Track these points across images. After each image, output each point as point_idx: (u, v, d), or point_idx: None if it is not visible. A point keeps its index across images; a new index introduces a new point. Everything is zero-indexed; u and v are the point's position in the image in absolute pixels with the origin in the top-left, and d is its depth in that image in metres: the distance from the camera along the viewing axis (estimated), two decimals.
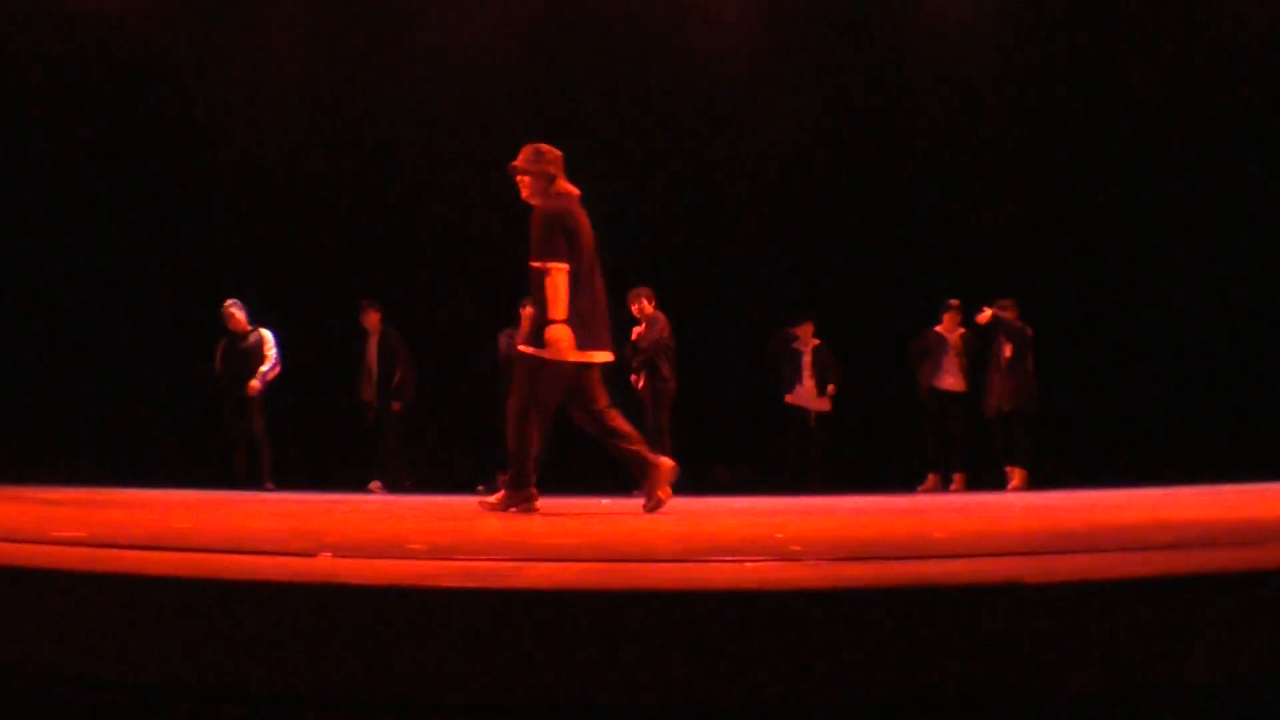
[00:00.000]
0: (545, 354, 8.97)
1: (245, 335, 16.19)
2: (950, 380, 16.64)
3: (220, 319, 16.03)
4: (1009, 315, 15.95)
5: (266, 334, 16.24)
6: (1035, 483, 15.53)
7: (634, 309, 15.90)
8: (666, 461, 9.16)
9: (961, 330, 16.55)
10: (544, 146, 9.46)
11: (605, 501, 11.83)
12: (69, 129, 17.68)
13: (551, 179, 9.35)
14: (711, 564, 3.89)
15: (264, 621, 2.96)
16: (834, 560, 4.08)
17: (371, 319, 17.04)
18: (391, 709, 2.79)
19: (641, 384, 15.86)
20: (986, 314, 15.84)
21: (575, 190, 9.45)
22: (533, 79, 17.95)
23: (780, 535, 5.74)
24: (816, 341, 17.07)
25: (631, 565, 3.81)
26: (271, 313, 16.22)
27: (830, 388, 16.94)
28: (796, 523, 7.27)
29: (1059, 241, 17.17)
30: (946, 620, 2.83)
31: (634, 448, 9.28)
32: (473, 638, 2.76)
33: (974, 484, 15.96)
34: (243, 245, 17.86)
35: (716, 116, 18.00)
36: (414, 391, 17.10)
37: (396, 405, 16.96)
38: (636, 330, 15.96)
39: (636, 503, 11.85)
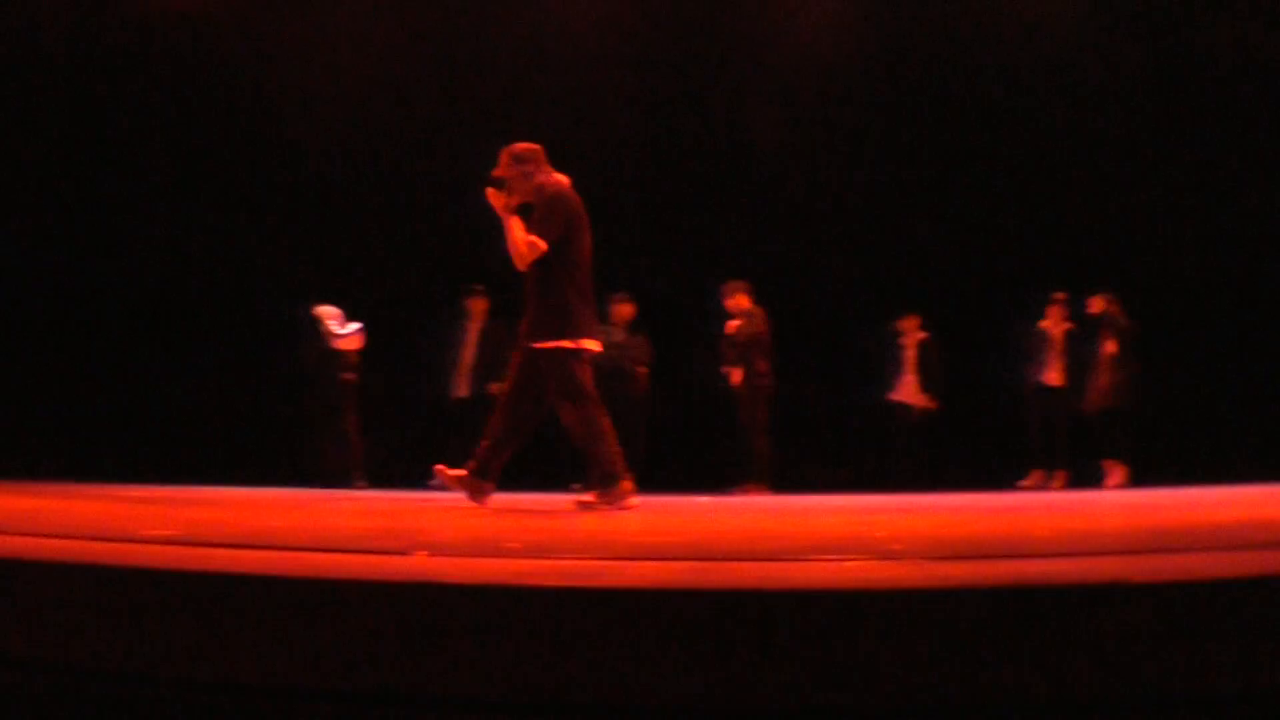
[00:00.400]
0: (560, 344, 8.98)
1: (335, 332, 16.31)
2: (1052, 375, 16.50)
3: (312, 316, 16.09)
4: (1112, 310, 15.82)
5: (356, 329, 16.30)
6: (1135, 479, 15.41)
7: (729, 304, 15.86)
8: (628, 484, 9.07)
9: (1067, 325, 16.41)
10: (518, 146, 9.44)
11: (704, 499, 11.81)
12: (146, 126, 17.85)
13: (531, 176, 9.32)
14: (811, 563, 3.86)
15: (358, 621, 2.96)
16: (935, 559, 4.05)
17: (478, 306, 17.03)
18: (487, 709, 2.79)
19: (736, 379, 15.84)
20: (1099, 304, 15.72)
21: (565, 179, 9.45)
22: (618, 70, 17.94)
23: (880, 534, 5.71)
24: (922, 336, 16.92)
25: (730, 564, 3.79)
26: (360, 308, 16.28)
27: (933, 402, 16.82)
28: (896, 521, 7.23)
29: (1164, 235, 16.99)
30: (1048, 620, 2.81)
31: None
32: (570, 637, 2.75)
33: (1075, 480, 15.84)
34: (328, 240, 17.95)
35: (817, 106, 17.92)
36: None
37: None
38: (731, 325, 15.93)
39: (736, 501, 11.84)
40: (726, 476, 15.60)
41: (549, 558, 3.97)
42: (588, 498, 9.01)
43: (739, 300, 15.82)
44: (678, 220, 17.80)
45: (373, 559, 3.83)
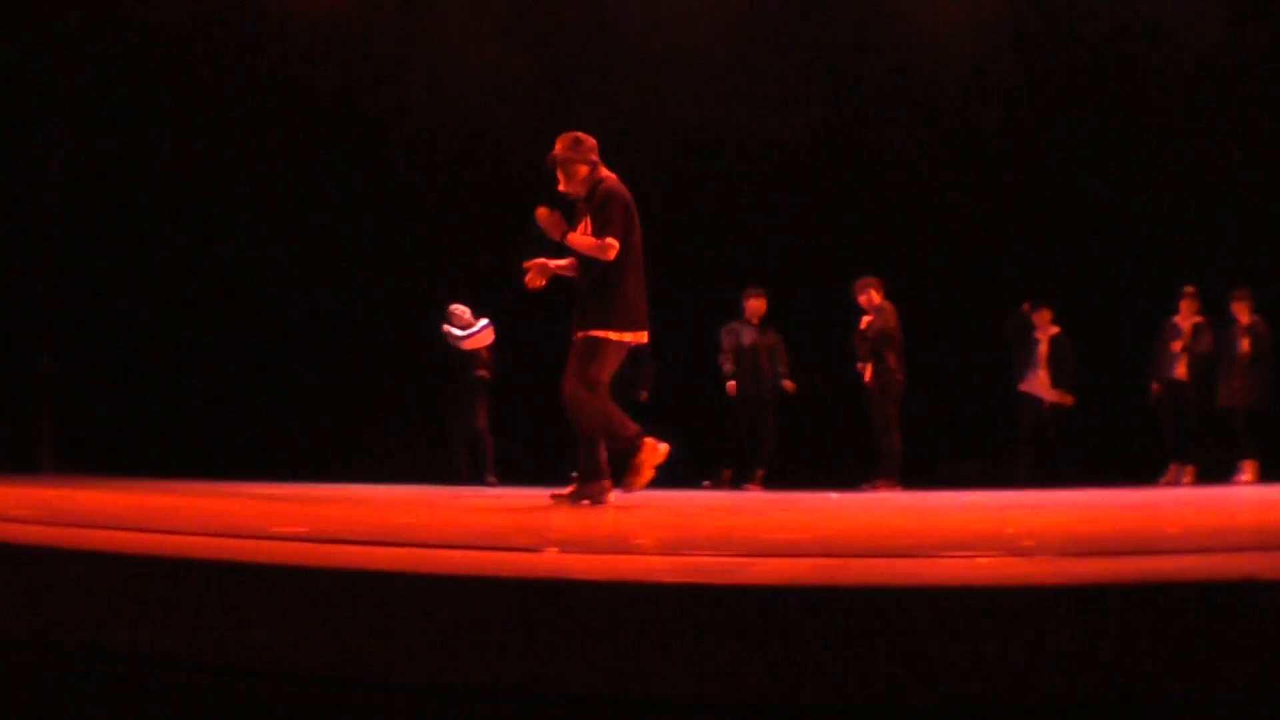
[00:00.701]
0: (608, 334, 9.02)
1: (464, 330, 16.29)
2: (1179, 369, 16.31)
3: (444, 314, 16.16)
4: (1248, 307, 15.64)
5: (486, 325, 16.27)
6: (1267, 475, 15.22)
7: (861, 299, 15.80)
8: (608, 483, 9.09)
9: (1197, 319, 16.22)
10: (581, 134, 9.46)
11: (834, 496, 11.78)
12: (273, 128, 18.04)
13: (594, 166, 9.37)
14: (941, 560, 3.85)
15: (489, 617, 2.98)
16: (1066, 555, 4.04)
17: None
18: (617, 705, 2.81)
19: (868, 375, 15.79)
20: (1238, 302, 15.56)
21: (614, 175, 9.43)
22: (739, 67, 17.90)
23: (1011, 530, 5.69)
24: (1055, 329, 16.75)
25: (860, 561, 3.79)
26: (491, 303, 16.32)
27: (1065, 397, 16.65)
28: (1027, 517, 7.20)
29: None
30: (1181, 617, 2.79)
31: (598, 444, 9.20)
32: (699, 634, 2.77)
33: (1207, 475, 15.65)
34: (459, 236, 18.03)
35: (946, 96, 17.81)
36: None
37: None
38: (864, 320, 15.88)
39: (866, 497, 11.81)
40: (857, 473, 15.55)
41: (679, 554, 3.99)
42: (565, 492, 9.00)
43: (871, 295, 15.75)
44: (810, 215, 17.75)
45: (503, 556, 3.86)
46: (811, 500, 10.74)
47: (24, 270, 16.11)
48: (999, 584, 2.99)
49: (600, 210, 9.13)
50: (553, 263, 9.31)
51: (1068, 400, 16.50)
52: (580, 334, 9.08)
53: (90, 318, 17.03)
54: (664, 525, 6.19)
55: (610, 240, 9.00)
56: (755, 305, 16.51)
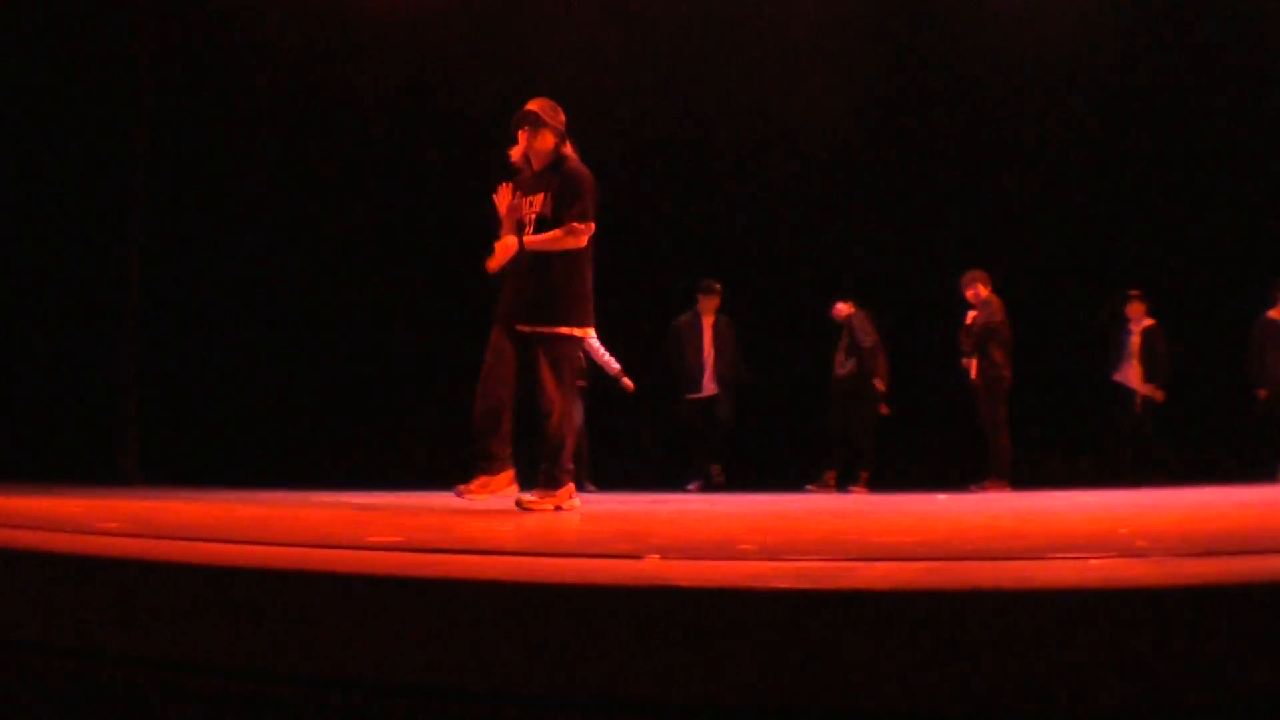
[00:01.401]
0: (573, 330, 8.99)
1: None
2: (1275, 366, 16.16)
3: None
4: None
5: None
6: None
7: (968, 293, 15.77)
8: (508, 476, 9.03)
9: None
10: (554, 102, 9.33)
11: (941, 497, 11.78)
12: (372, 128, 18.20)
13: (562, 139, 9.25)
14: (1052, 561, 3.85)
15: (590, 626, 3.01)
16: (1183, 556, 4.03)
17: (710, 303, 17.07)
18: (722, 714, 2.84)
19: (974, 372, 15.74)
20: None
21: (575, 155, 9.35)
22: (842, 65, 17.93)
23: (1124, 530, 5.68)
24: (1149, 322, 16.63)
25: (968, 564, 3.79)
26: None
27: (1158, 391, 16.53)
28: (1140, 516, 7.17)
29: None
30: None
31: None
32: (806, 641, 2.79)
33: None
34: None
35: (1043, 83, 17.74)
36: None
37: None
38: (970, 315, 15.83)
39: (974, 498, 11.79)
40: (965, 473, 15.52)
41: (784, 559, 4.01)
42: (531, 497, 8.82)
43: (977, 289, 15.71)
44: (910, 209, 17.74)
45: (604, 563, 3.89)
46: (919, 502, 10.74)
47: (109, 283, 16.28)
48: (1113, 586, 2.99)
49: (570, 187, 9.04)
50: (514, 244, 9.12)
51: (1159, 395, 16.39)
52: (544, 329, 8.98)
53: (175, 328, 17.19)
54: (768, 529, 6.20)
55: (586, 225, 8.95)
56: (842, 307, 16.53)
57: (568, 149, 9.26)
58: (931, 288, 16.91)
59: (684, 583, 3.05)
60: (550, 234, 8.96)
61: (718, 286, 17.05)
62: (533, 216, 9.13)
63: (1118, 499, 10.62)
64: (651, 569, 3.66)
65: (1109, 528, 5.95)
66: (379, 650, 3.20)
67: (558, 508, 8.69)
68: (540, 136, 9.17)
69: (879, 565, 3.68)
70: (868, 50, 18.13)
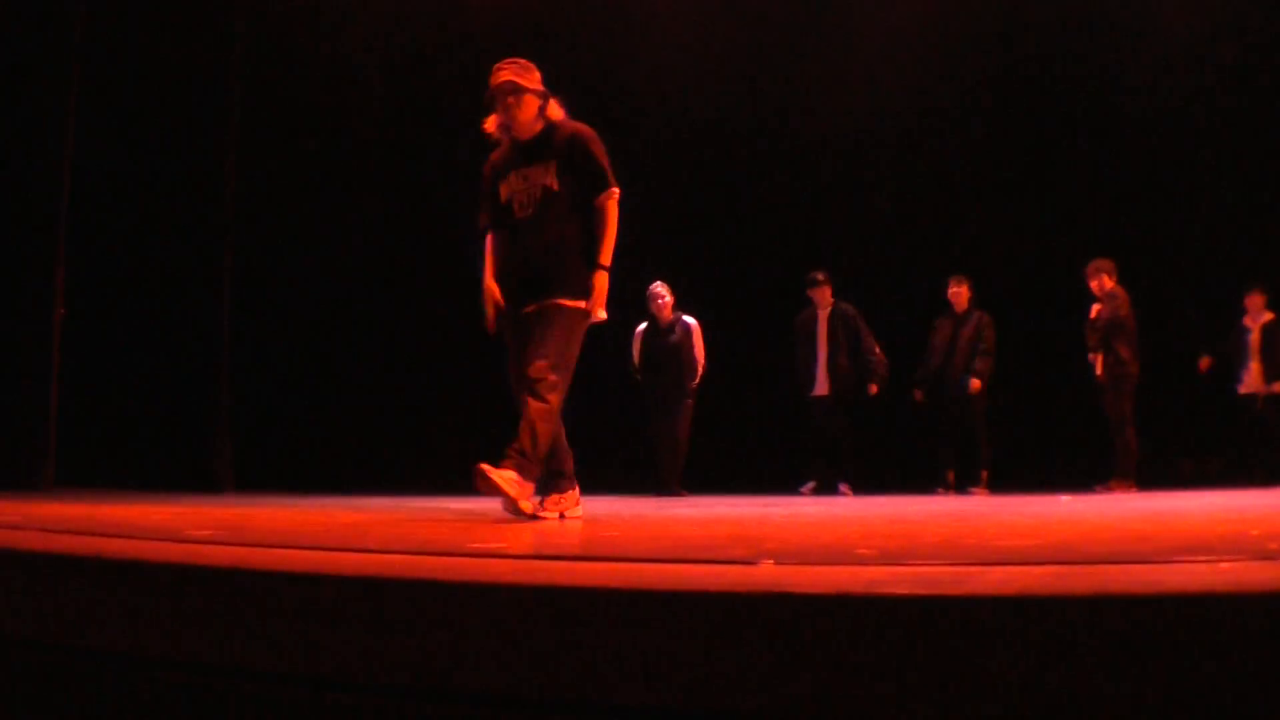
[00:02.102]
0: (588, 305, 8.46)
1: (670, 325, 16.08)
2: None
3: (645, 303, 16.15)
4: None
5: (693, 324, 16.04)
6: None
7: (1093, 285, 15.67)
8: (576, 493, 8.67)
9: None
10: (526, 61, 8.71)
11: (1066, 498, 11.73)
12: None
13: (547, 99, 8.69)
14: (1182, 565, 3.85)
15: (702, 633, 3.03)
16: None
17: (824, 296, 17.00)
18: None
19: (1099, 367, 15.64)
20: None
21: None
22: (958, 46, 17.88)
23: (1255, 532, 5.64)
24: (1269, 316, 16.41)
25: (1095, 568, 3.79)
26: (693, 306, 16.36)
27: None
28: (1272, 518, 7.13)
29: None
30: None
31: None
32: (927, 647, 2.81)
33: None
34: (656, 238, 18.17)
35: (1187, 74, 17.64)
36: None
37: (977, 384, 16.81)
38: (1095, 308, 15.74)
39: (1100, 499, 11.73)
40: (1090, 473, 15.44)
41: (903, 564, 4.03)
42: (545, 508, 8.40)
43: (1102, 280, 15.61)
44: (1032, 198, 17.67)
45: (717, 569, 3.91)
46: (1042, 504, 10.70)
47: (201, 289, 16.46)
48: (1244, 590, 2.98)
49: (578, 150, 8.50)
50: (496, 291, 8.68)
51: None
52: (553, 301, 8.47)
53: (268, 334, 17.35)
54: (886, 533, 6.20)
55: (614, 189, 8.50)
56: (959, 294, 16.45)
57: (555, 108, 8.72)
58: (1054, 279, 16.83)
59: (800, 589, 3.07)
60: (603, 236, 8.45)
61: (820, 277, 16.96)
62: (535, 193, 8.54)
63: (1249, 500, 10.54)
64: (766, 575, 3.68)
65: (1240, 529, 5.91)
66: (489, 659, 3.23)
67: (562, 515, 8.39)
68: (523, 105, 8.59)
69: (1001, 570, 3.68)
70: (980, 28, 18.09)
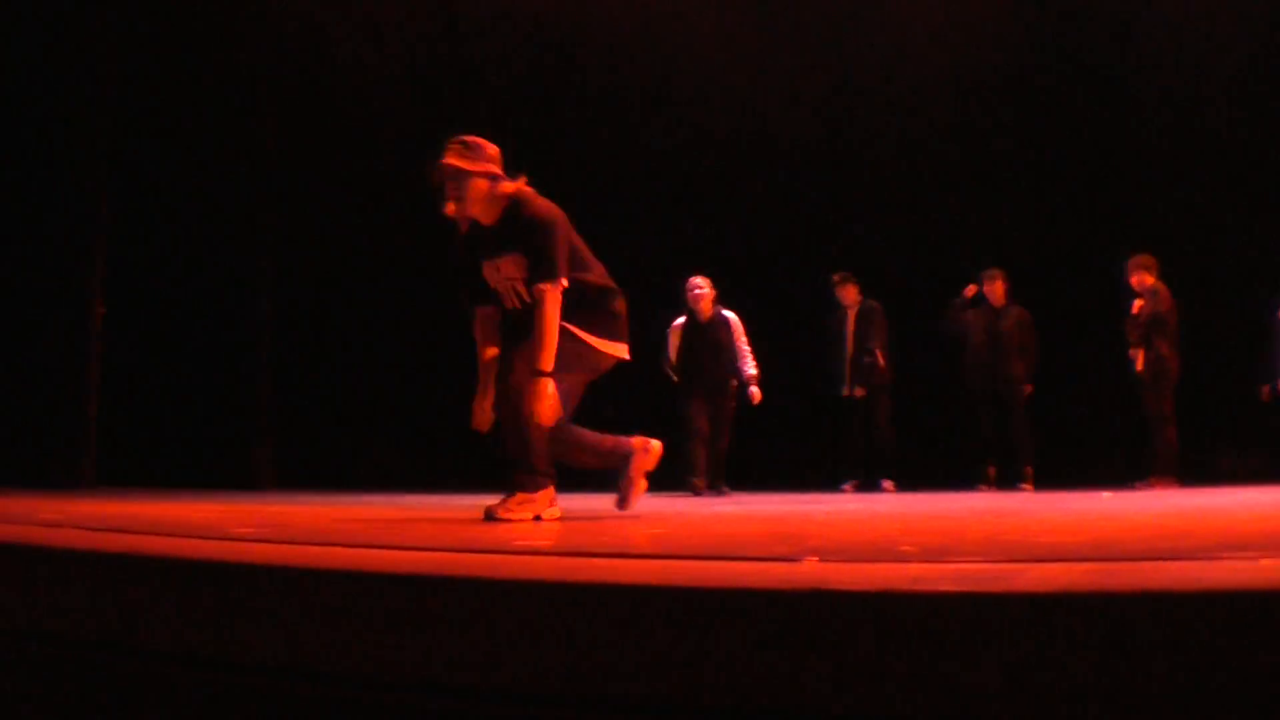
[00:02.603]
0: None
1: (710, 320, 15.65)
2: None
3: (683, 297, 15.78)
4: None
5: (733, 318, 15.69)
6: None
7: (1133, 281, 15.63)
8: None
9: None
10: (475, 139, 8.27)
11: (1106, 495, 11.72)
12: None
13: (497, 180, 8.20)
14: (1223, 561, 3.82)
15: (746, 631, 3.04)
16: None
17: (850, 294, 16.97)
18: None
19: (1140, 364, 15.60)
20: None
21: (529, 189, 8.31)
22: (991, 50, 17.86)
23: None
24: None
25: (1136, 564, 3.79)
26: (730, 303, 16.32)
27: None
28: None
29: None
30: None
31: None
32: (970, 644, 2.82)
33: None
34: (686, 224, 18.20)
35: (1215, 69, 17.60)
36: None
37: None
38: (1136, 304, 15.70)
39: (1141, 495, 11.70)
40: (1130, 469, 15.40)
41: (946, 561, 4.03)
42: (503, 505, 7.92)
43: (1143, 277, 15.56)
44: (1076, 192, 17.64)
45: (760, 566, 3.91)
46: (1083, 500, 10.70)
47: (242, 288, 16.52)
48: None
49: (532, 239, 8.07)
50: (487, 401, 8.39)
51: None
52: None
53: (309, 334, 17.40)
54: (928, 530, 6.20)
55: (555, 284, 8.02)
56: (994, 288, 16.43)
57: (513, 187, 8.26)
58: (1094, 275, 16.79)
59: (843, 586, 3.07)
60: (539, 335, 7.91)
61: (838, 278, 16.95)
62: (513, 289, 8.25)
63: None
64: (809, 572, 3.68)
65: None
66: (529, 657, 3.24)
67: (537, 516, 7.92)
68: (467, 189, 8.18)
69: (1044, 567, 3.68)
70: (1022, 18, 18.09)
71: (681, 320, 15.73)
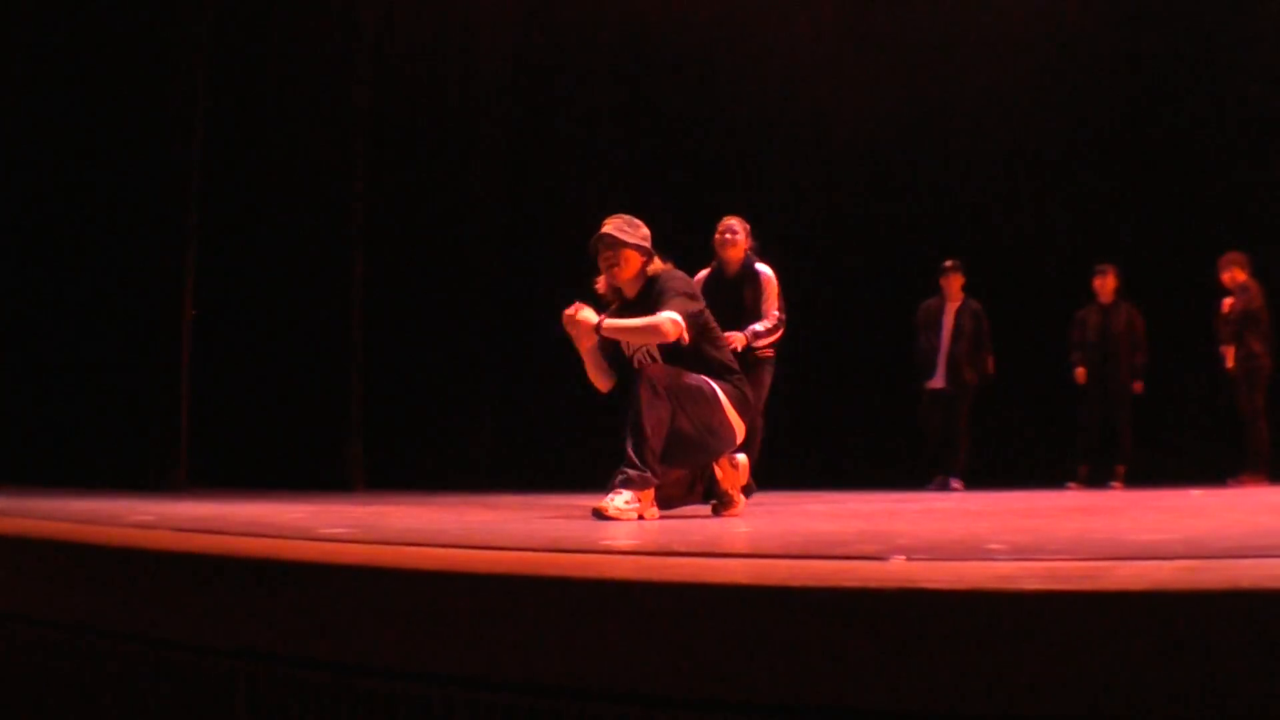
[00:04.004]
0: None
1: (738, 273, 12.22)
2: None
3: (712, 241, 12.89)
4: None
5: (767, 273, 12.16)
6: None
7: (1224, 277, 15.55)
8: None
9: None
10: (633, 218, 8.60)
11: (1197, 492, 11.65)
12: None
13: (650, 257, 8.53)
14: None
15: (833, 631, 3.06)
16: None
17: (953, 285, 16.87)
18: None
19: (1230, 360, 15.52)
20: None
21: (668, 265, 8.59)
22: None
23: None
24: None
25: (1227, 562, 3.77)
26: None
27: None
28: None
29: None
30: None
31: None
32: (1059, 644, 2.81)
33: None
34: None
35: None
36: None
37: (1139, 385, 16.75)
38: (1227, 301, 15.60)
39: (1232, 493, 11.63)
40: (1222, 467, 15.29)
41: (1034, 559, 4.02)
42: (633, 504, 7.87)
43: (1234, 273, 15.48)
44: (1170, 190, 17.53)
45: (846, 564, 3.92)
46: (1173, 498, 10.64)
47: (333, 289, 16.58)
48: None
49: (660, 291, 8.33)
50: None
51: None
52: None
53: (400, 334, 17.44)
54: (1017, 529, 6.19)
55: (674, 322, 8.19)
56: (1104, 283, 16.32)
57: (661, 266, 8.53)
58: (1190, 272, 16.68)
59: (932, 585, 3.07)
60: (631, 320, 8.27)
61: (950, 264, 16.82)
62: (644, 354, 8.41)
63: None
64: (898, 571, 3.69)
65: None
66: (619, 657, 3.25)
67: (641, 516, 7.84)
68: (623, 261, 8.46)
69: (1134, 565, 3.68)
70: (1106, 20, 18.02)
71: (705, 272, 12.26)
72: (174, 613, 4.36)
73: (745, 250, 12.15)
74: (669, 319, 8.09)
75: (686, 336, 8.20)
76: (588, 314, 8.24)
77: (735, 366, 8.62)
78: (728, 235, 12.14)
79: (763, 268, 12.05)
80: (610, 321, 8.21)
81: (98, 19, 14.66)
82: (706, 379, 8.29)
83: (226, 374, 16.11)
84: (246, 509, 8.83)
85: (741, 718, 3.08)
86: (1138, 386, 16.38)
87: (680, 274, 8.54)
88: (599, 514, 7.64)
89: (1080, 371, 16.54)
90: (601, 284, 8.67)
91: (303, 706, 3.79)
